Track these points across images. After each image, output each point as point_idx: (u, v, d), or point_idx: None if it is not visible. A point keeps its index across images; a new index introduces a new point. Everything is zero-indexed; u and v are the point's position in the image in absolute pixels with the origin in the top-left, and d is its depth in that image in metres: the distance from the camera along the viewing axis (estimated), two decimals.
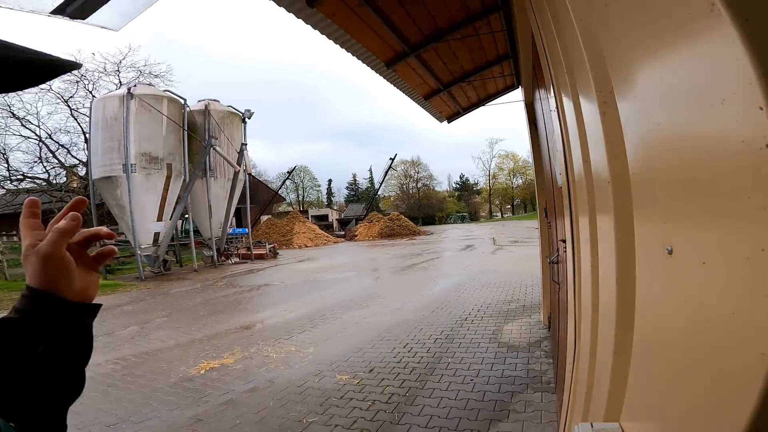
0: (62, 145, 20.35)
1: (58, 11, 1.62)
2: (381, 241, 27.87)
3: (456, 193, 73.41)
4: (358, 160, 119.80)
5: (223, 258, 18.27)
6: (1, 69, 0.43)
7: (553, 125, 1.95)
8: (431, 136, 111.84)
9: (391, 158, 39.08)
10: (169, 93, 16.50)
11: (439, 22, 3.74)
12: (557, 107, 1.48)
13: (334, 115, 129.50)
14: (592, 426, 0.98)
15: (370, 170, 75.08)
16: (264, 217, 32.38)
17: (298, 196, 69.09)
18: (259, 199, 32.56)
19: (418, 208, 61.55)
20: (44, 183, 19.73)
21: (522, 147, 67.12)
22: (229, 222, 19.00)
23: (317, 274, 12.80)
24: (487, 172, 69.52)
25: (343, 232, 34.13)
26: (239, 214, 26.06)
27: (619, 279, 0.83)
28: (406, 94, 5.37)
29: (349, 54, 3.78)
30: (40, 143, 19.47)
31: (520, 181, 65.82)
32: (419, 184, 66.09)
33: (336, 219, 43.41)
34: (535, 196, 6.21)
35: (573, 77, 1.09)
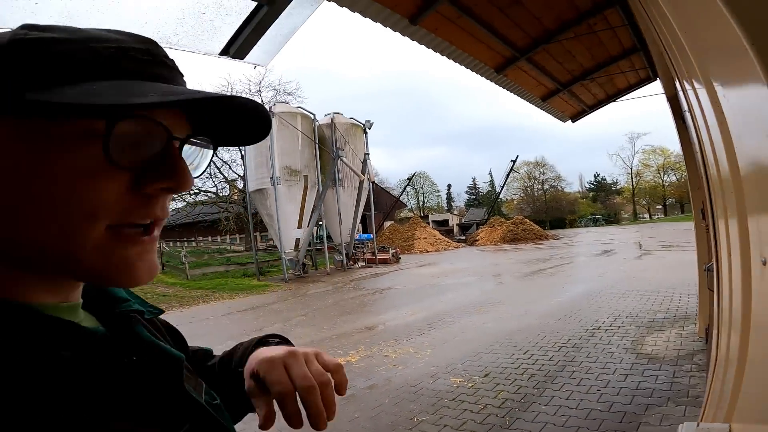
0: (225, 162, 24.41)
1: (224, 53, 2.08)
2: (504, 245, 26.82)
3: (590, 194, 66.44)
4: (477, 163, 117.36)
5: (351, 262, 19.74)
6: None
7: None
8: (555, 135, 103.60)
9: (512, 160, 37.36)
10: (301, 109, 18.52)
11: (546, 23, 3.62)
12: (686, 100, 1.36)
13: (449, 119, 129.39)
14: (697, 425, 0.95)
15: (490, 173, 72.93)
16: (387, 223, 33.99)
17: (418, 202, 70.66)
18: (382, 205, 34.30)
19: (545, 211, 57.40)
20: (213, 195, 23.99)
21: (672, 141, 57.51)
22: (356, 228, 20.46)
23: (437, 278, 12.99)
24: (629, 169, 61.35)
25: (463, 237, 33.77)
26: (365, 221, 27.87)
27: None
28: (521, 97, 5.24)
29: (457, 63, 3.88)
30: (210, 161, 23.74)
31: (674, 178, 56.42)
32: (545, 186, 61.65)
33: (456, 224, 43.18)
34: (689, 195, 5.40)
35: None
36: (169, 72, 0.41)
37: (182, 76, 0.43)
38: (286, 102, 20.57)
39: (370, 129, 20.20)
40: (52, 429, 0.34)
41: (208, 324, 8.78)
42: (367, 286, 12.66)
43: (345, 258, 19.17)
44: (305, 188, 17.52)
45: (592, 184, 68.38)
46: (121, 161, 0.36)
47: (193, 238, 24.78)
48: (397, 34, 3.15)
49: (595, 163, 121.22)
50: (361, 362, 5.19)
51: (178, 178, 0.39)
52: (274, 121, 16.69)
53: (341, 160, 17.74)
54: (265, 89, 24.84)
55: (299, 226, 17.66)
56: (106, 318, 0.47)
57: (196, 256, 18.13)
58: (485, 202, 58.93)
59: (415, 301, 9.25)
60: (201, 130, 0.44)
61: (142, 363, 0.44)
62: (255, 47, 2.05)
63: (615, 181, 65.62)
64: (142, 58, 0.39)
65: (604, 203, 62.33)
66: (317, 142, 18.13)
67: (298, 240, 17.65)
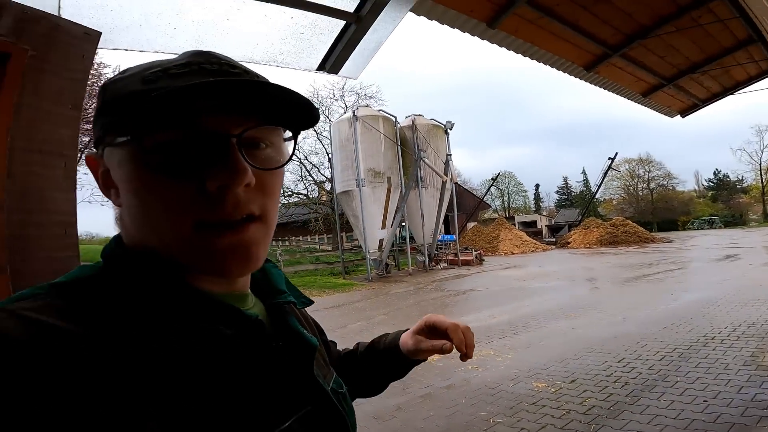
0: (314, 165, 25.96)
1: (321, 68, 2.33)
2: (600, 249, 24.71)
3: (709, 193, 58.11)
4: (568, 162, 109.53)
5: (433, 263, 19.74)
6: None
7: None
8: (661, 130, 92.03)
9: (610, 158, 34.19)
10: (383, 112, 19.00)
11: (640, 19, 3.39)
12: None
13: (535, 115, 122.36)
14: None
15: (584, 172, 67.34)
16: (470, 225, 33.34)
17: (503, 203, 68.00)
18: (465, 206, 33.73)
19: (652, 212, 51.52)
20: (304, 197, 25.63)
21: None
22: (439, 229, 20.41)
23: (523, 281, 12.48)
24: (757, 165, 52.41)
25: (553, 239, 31.80)
26: (447, 222, 27.65)
27: None
28: (618, 94, 4.90)
29: (542, 63, 3.78)
30: (300, 164, 25.35)
31: None
32: (652, 185, 55.29)
33: (545, 225, 40.76)
34: None
35: None
36: (212, 76, 0.43)
37: (233, 76, 0.45)
38: (368, 105, 21.24)
39: (451, 130, 20.05)
40: (197, 387, 0.40)
41: None
42: (449, 288, 12.62)
43: (427, 259, 19.25)
44: (389, 190, 17.95)
45: (712, 182, 59.75)
46: (168, 169, 0.41)
47: (286, 238, 26.79)
48: (476, 38, 3.19)
49: (714, 158, 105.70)
50: (440, 362, 5.26)
51: (228, 174, 0.41)
52: (358, 125, 17.41)
53: (423, 161, 17.85)
54: (348, 94, 25.89)
55: (383, 227, 18.15)
56: (268, 306, 0.55)
57: (289, 255, 19.61)
58: (578, 203, 54.71)
59: (497, 304, 9.03)
60: (273, 120, 0.45)
61: (286, 347, 0.50)
62: (347, 62, 2.25)
63: (740, 178, 56.59)
64: (178, 72, 0.42)
65: (727, 203, 54.06)
66: (399, 144, 18.46)
67: (381, 240, 18.15)
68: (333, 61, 2.21)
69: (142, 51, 1.52)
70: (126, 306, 0.41)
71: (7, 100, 0.90)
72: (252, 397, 0.43)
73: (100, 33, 1.12)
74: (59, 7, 1.24)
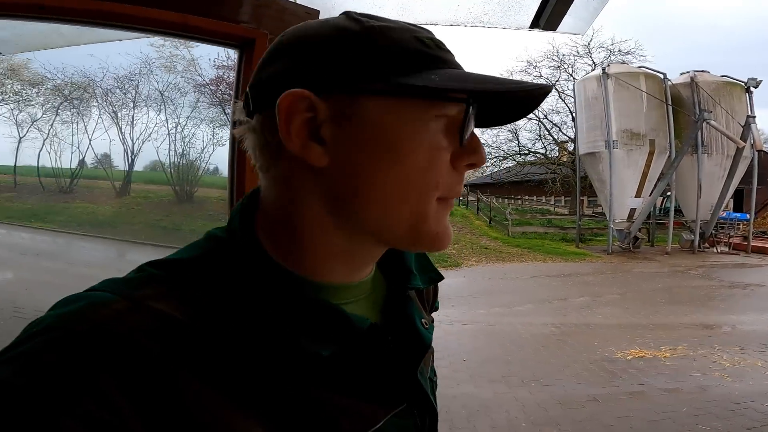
0: (555, 124, 23.88)
1: (534, 26, 2.09)
2: None
3: None
4: None
5: (706, 244, 15.55)
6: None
7: None
8: None
9: None
10: (644, 69, 15.74)
11: None
12: None
13: None
14: None
15: None
16: None
17: None
18: None
19: None
20: (542, 156, 24.15)
21: None
22: (724, 204, 15.74)
23: None
24: None
25: None
26: (739, 197, 20.81)
27: None
28: None
29: None
30: (539, 123, 23.78)
31: None
32: None
33: None
34: None
35: None
36: (454, 59, 0.43)
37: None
38: (623, 62, 18.01)
39: (756, 88, 14.84)
40: (296, 389, 0.38)
41: (515, 283, 9.21)
42: (724, 277, 9.75)
43: (697, 238, 15.26)
44: (650, 153, 14.89)
45: None
46: (464, 141, 0.41)
47: (519, 197, 26.11)
48: None
49: None
50: (673, 361, 4.32)
51: (480, 154, 0.42)
52: (610, 83, 14.91)
53: (708, 123, 13.83)
54: (596, 50, 22.19)
55: (638, 195, 15.33)
56: (390, 289, 0.52)
57: (519, 214, 19.13)
58: None
59: None
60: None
61: (397, 340, 0.47)
62: (566, 16, 1.94)
63: None
64: (439, 46, 0.42)
65: None
66: (669, 103, 14.86)
67: (633, 210, 15.41)
68: (548, 17, 1.93)
69: None
70: (242, 304, 0.39)
71: None
72: (354, 393, 0.42)
73: (318, 11, 1.22)
74: None
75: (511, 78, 0.42)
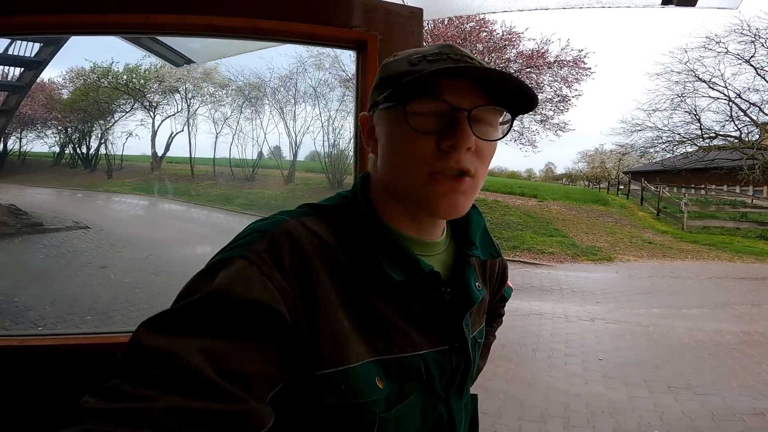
0: (753, 104, 18.92)
1: (666, 2, 1.81)
2: None
3: None
4: None
5: None
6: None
7: None
8: None
9: None
10: None
11: None
12: None
13: None
14: None
15: None
16: None
17: None
18: None
19: None
20: (735, 140, 19.42)
21: None
22: None
23: None
24: None
25: None
26: None
27: None
28: None
29: None
30: (730, 103, 19.14)
31: None
32: None
33: None
34: None
35: None
36: (455, 63, 0.55)
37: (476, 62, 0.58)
38: None
39: None
40: (374, 299, 0.56)
41: (685, 283, 7.86)
42: None
43: None
44: None
45: None
46: (421, 128, 0.54)
47: (702, 186, 21.54)
48: None
49: None
50: None
51: (456, 138, 0.53)
52: None
53: None
54: None
55: None
56: (457, 254, 0.68)
57: (700, 206, 15.88)
58: None
59: None
60: (498, 102, 0.57)
61: (452, 293, 0.63)
62: None
63: None
64: (433, 59, 0.56)
65: None
66: None
67: None
68: None
69: (461, 15, 1.87)
70: (354, 233, 0.59)
71: (372, 78, 1.09)
72: (411, 321, 0.58)
73: (422, 9, 1.29)
74: None
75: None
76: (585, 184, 32.65)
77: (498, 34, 15.82)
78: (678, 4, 1.65)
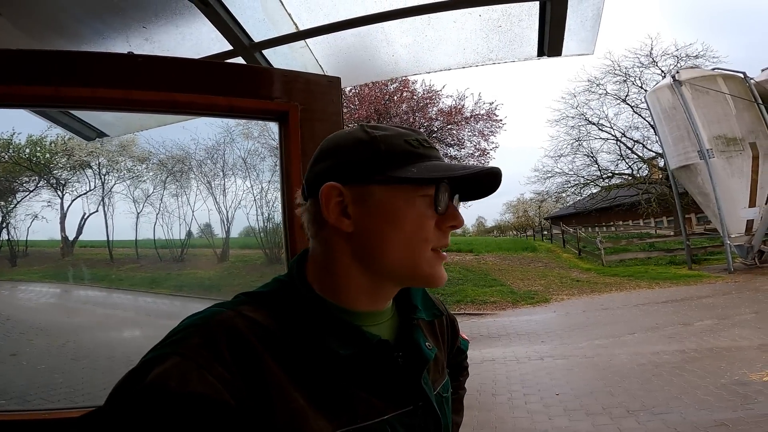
0: (636, 141, 21.91)
1: (540, 54, 2.11)
2: None
3: None
4: None
5: None
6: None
7: None
8: None
9: None
10: (720, 70, 14.23)
11: None
12: None
13: None
14: None
15: None
16: None
17: None
18: None
19: None
20: (629, 177, 22.11)
21: None
22: None
23: None
24: None
25: None
26: None
27: None
28: None
29: None
30: (618, 143, 21.98)
31: None
32: None
33: None
34: None
35: None
36: (435, 152, 0.62)
37: (438, 151, 0.65)
38: (695, 66, 16.42)
39: None
40: (326, 378, 0.55)
41: (616, 313, 8.45)
42: None
43: None
44: (755, 158, 13.13)
45: None
46: (439, 209, 0.60)
47: (611, 223, 23.93)
48: None
49: None
50: None
51: (458, 220, 0.61)
52: (685, 90, 13.61)
53: None
54: (662, 58, 20.47)
55: (751, 205, 13.35)
56: (403, 320, 0.69)
57: (612, 242, 17.52)
58: None
59: None
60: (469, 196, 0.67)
61: (405, 356, 0.63)
62: (565, 40, 1.89)
63: None
64: (422, 145, 0.61)
65: None
66: (760, 102, 13.19)
67: (750, 222, 13.38)
68: (549, 44, 1.91)
69: (374, 82, 2.03)
70: (294, 315, 0.58)
71: (295, 147, 1.19)
72: (370, 390, 0.58)
73: (339, 78, 1.34)
74: (305, 66, 1.83)
75: (473, 164, 0.61)
76: (514, 234, 34.74)
77: (419, 93, 17.08)
78: (549, 55, 1.96)
